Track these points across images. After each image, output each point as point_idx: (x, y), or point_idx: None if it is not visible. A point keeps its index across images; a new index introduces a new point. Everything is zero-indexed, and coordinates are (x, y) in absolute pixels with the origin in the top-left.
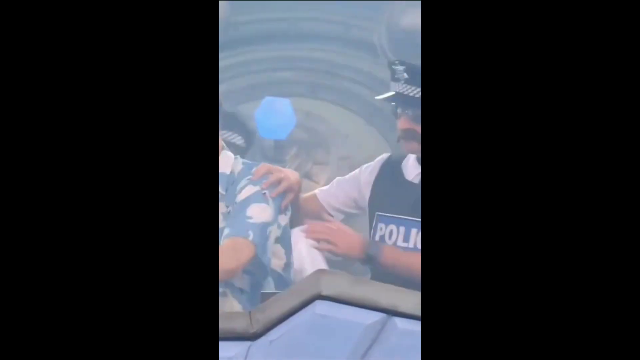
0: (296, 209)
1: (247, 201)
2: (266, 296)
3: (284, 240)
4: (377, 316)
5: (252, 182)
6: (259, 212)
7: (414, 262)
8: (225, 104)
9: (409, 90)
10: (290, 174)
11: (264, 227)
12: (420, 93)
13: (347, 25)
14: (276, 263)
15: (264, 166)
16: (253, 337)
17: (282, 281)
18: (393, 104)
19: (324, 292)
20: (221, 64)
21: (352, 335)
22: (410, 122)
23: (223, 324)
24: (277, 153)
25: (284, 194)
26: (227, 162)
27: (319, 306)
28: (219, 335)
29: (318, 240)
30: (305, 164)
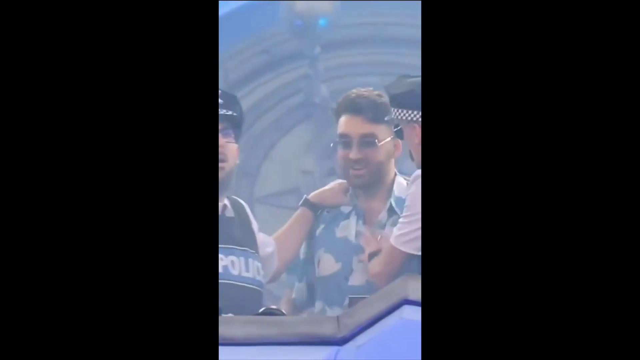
0: None
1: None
2: (354, 301)
3: None
4: None
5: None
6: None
7: None
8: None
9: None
10: None
11: None
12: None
13: None
14: None
15: None
16: (341, 341)
17: None
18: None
19: (412, 297)
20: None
21: None
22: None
23: (311, 329)
24: None
25: None
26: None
27: (407, 311)
28: (308, 339)
29: None
30: None
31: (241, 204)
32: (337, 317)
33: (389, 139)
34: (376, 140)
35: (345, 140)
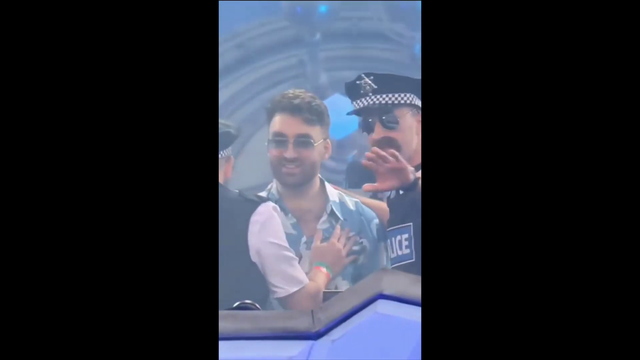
0: None
1: None
2: (328, 295)
3: None
4: None
5: None
6: None
7: None
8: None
9: (381, 99)
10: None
11: None
12: (393, 98)
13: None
14: None
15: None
16: (315, 336)
17: None
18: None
19: (386, 291)
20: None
21: (413, 334)
22: (385, 130)
23: (285, 323)
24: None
25: None
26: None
27: (381, 305)
28: (283, 334)
29: None
30: None
31: None
32: (312, 311)
33: (321, 140)
34: (312, 141)
35: (280, 139)
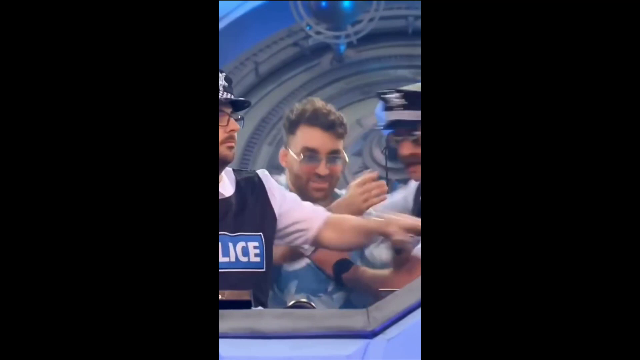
0: None
1: None
2: (384, 294)
3: None
4: None
5: None
6: None
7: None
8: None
9: (410, 116)
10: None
11: None
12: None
13: None
14: None
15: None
16: (371, 334)
17: None
18: (387, 133)
19: None
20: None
21: None
22: (413, 146)
23: (341, 322)
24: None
25: None
26: None
27: None
28: (338, 333)
29: None
30: None
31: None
32: (367, 310)
33: (344, 153)
34: (342, 156)
35: (313, 155)
